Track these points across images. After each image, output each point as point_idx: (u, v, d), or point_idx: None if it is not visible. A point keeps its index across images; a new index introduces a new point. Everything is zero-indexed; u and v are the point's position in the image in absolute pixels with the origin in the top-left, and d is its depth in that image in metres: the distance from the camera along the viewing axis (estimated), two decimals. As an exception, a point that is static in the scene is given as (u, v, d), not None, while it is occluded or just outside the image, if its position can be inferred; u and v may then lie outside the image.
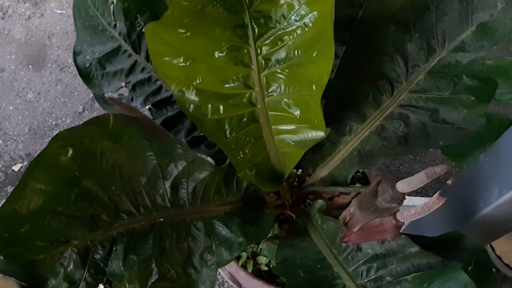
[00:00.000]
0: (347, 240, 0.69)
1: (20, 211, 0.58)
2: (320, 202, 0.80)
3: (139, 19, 0.83)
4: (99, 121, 0.65)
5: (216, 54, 0.68)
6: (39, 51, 1.58)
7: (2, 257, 0.60)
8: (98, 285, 0.66)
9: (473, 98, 0.70)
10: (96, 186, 0.66)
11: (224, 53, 0.68)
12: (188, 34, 0.64)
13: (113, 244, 0.67)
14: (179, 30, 0.63)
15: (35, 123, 1.42)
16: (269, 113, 0.74)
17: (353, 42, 0.76)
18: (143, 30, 0.84)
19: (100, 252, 0.66)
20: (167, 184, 0.73)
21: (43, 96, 1.48)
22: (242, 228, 0.76)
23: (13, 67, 1.55)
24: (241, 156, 0.74)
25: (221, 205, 0.79)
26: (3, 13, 1.65)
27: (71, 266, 0.64)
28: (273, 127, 0.76)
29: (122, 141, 0.67)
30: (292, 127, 0.74)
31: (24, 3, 1.67)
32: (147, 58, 0.86)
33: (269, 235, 0.89)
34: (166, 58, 0.67)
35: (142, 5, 0.82)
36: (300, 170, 0.95)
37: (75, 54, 0.89)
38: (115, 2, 0.85)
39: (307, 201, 0.93)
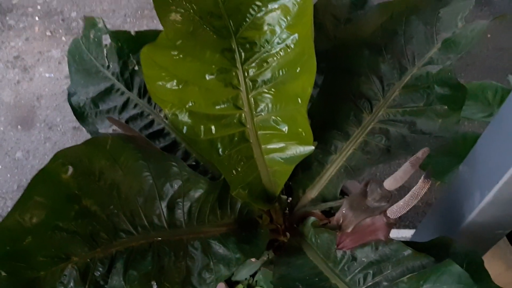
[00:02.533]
0: (343, 246, 0.71)
1: (23, 224, 0.60)
2: (312, 218, 0.82)
3: (131, 58, 0.89)
4: (98, 141, 0.69)
5: (207, 77, 0.73)
6: (28, 112, 1.62)
7: (4, 274, 0.60)
8: (98, 303, 0.65)
9: (446, 107, 0.76)
10: (95, 205, 0.68)
11: (214, 75, 0.73)
12: (181, 56, 0.69)
13: (112, 261, 0.68)
14: (172, 52, 0.68)
15: (24, 180, 1.43)
16: (259, 132, 0.78)
17: (332, 66, 0.83)
18: (136, 68, 0.90)
19: (100, 269, 0.66)
20: (163, 204, 0.75)
21: (32, 154, 1.50)
22: (238, 246, 0.77)
23: (1, 128, 1.58)
24: (234, 173, 0.78)
25: (216, 226, 0.80)
26: (-7, 79, 1.71)
27: (71, 284, 0.64)
28: (263, 146, 0.80)
29: (119, 162, 0.70)
30: (281, 145, 0.78)
31: (14, 69, 1.73)
32: (139, 94, 0.91)
33: (265, 259, 0.90)
34: (160, 83, 0.72)
35: (134, 45, 0.88)
36: (290, 198, 0.98)
37: (70, 96, 0.94)
38: (108, 44, 0.91)
39: (300, 223, 0.95)
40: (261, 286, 0.99)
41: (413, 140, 0.79)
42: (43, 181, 0.62)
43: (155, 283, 0.70)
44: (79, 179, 0.66)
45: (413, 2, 0.82)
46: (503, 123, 0.73)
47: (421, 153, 0.56)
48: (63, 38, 1.82)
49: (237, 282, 1.02)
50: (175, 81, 0.72)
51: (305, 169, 0.87)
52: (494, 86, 0.99)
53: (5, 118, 1.60)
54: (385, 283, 0.72)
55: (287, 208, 0.96)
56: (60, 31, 1.84)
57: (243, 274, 0.99)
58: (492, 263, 1.21)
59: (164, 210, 0.75)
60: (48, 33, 1.83)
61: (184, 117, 0.74)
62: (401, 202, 0.62)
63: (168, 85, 0.72)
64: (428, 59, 0.77)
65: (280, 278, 0.77)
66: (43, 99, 1.65)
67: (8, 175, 1.44)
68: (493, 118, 0.73)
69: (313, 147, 0.76)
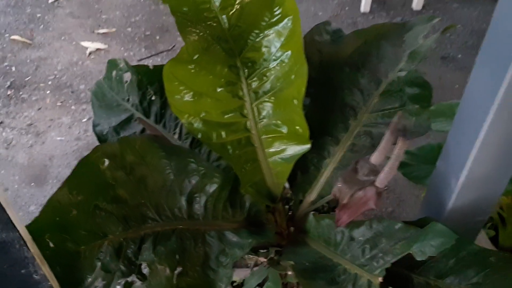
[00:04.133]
0: (341, 222, 0.81)
1: (71, 198, 0.71)
2: (312, 213, 0.93)
3: (149, 89, 1.04)
4: (129, 140, 0.82)
5: (218, 89, 0.88)
6: (41, 170, 1.73)
7: (52, 245, 0.70)
8: (131, 275, 0.74)
9: (417, 106, 0.91)
10: (126, 194, 0.79)
11: (224, 88, 0.88)
12: (197, 69, 0.85)
13: (142, 241, 0.78)
14: (189, 66, 0.84)
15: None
16: (262, 137, 0.92)
17: (319, 82, 0.99)
18: (153, 98, 1.05)
19: (132, 247, 0.76)
20: (183, 198, 0.86)
21: (45, 207, 1.59)
22: (250, 235, 0.88)
23: (16, 186, 1.69)
24: (243, 171, 0.90)
25: (229, 222, 0.91)
26: (8, 144, 1.83)
27: (108, 258, 0.74)
28: (266, 150, 0.93)
29: (146, 160, 0.83)
30: (282, 147, 0.91)
31: (27, 135, 1.87)
32: (156, 120, 1.05)
33: (271, 256, 0.99)
34: (178, 96, 0.87)
35: (152, 77, 1.04)
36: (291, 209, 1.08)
37: (94, 126, 1.07)
38: (128, 80, 1.07)
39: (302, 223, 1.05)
40: (270, 292, 1.06)
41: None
42: (86, 166, 0.74)
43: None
44: (113, 171, 0.78)
45: (382, 30, 1.00)
46: (461, 121, 0.87)
47: (397, 117, 0.70)
48: (73, 107, 1.98)
49: (248, 292, 1.08)
50: (191, 93, 0.87)
51: (303, 173, 0.99)
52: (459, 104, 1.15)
53: (19, 177, 1.71)
54: (380, 254, 0.82)
55: (290, 212, 1.06)
56: (70, 101, 2.01)
57: (252, 283, 1.06)
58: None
59: (184, 203, 0.86)
60: (58, 103, 2.00)
61: (198, 125, 0.88)
62: (386, 168, 0.74)
63: (186, 98, 0.87)
64: (398, 70, 0.94)
65: (289, 258, 0.86)
66: (55, 158, 1.77)
67: (22, 227, 1.51)
68: (455, 118, 0.87)
69: (309, 145, 0.89)
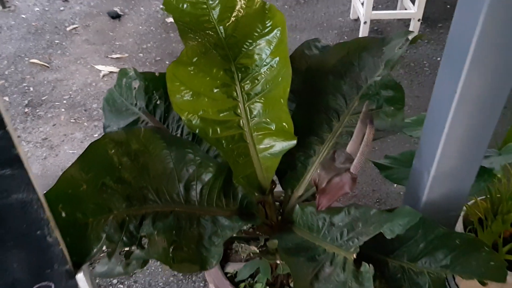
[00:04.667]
0: (322, 206, 0.91)
1: (82, 173, 0.81)
2: (298, 204, 1.03)
3: (155, 94, 1.16)
4: (134, 130, 0.93)
5: (214, 90, 0.99)
6: (53, 180, 1.83)
7: (64, 214, 0.80)
8: (132, 246, 0.84)
9: (392, 108, 1.02)
10: (131, 178, 0.90)
11: (219, 89, 0.99)
12: (195, 71, 0.96)
13: (142, 218, 0.88)
14: (189, 68, 0.96)
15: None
16: (254, 134, 1.02)
17: (306, 87, 1.10)
18: (158, 102, 1.17)
19: (134, 222, 0.86)
20: (181, 185, 0.96)
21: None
22: (240, 220, 0.97)
23: (29, 194, 1.80)
24: (236, 163, 1.00)
25: (222, 210, 1.00)
26: (23, 156, 1.96)
27: (112, 230, 0.84)
28: (257, 146, 1.03)
29: (149, 149, 0.93)
30: (271, 143, 1.02)
31: (42, 148, 2.00)
32: (160, 122, 1.16)
33: (261, 244, 1.08)
34: (179, 95, 0.98)
35: (157, 84, 1.16)
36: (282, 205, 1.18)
37: (105, 128, 1.19)
38: (136, 87, 1.19)
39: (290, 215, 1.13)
40: (261, 282, 1.14)
41: (371, 136, 1.03)
42: (96, 149, 0.85)
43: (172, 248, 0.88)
44: (119, 156, 0.89)
45: (363, 43, 1.12)
46: (430, 121, 0.97)
47: (365, 107, 0.80)
48: (85, 124, 2.11)
49: (240, 282, 1.16)
50: (190, 93, 0.98)
51: (292, 169, 1.09)
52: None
53: (33, 186, 1.82)
54: (356, 236, 0.90)
55: (280, 207, 1.15)
56: (83, 118, 2.14)
57: (245, 274, 1.15)
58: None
59: (182, 190, 0.96)
60: (72, 120, 2.13)
61: (196, 122, 0.99)
62: (358, 155, 0.84)
63: (185, 97, 0.98)
64: (376, 76, 1.05)
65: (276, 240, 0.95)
66: (67, 170, 1.89)
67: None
68: (425, 120, 0.98)
69: (295, 141, 0.99)
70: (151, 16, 2.92)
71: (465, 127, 0.89)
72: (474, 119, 0.89)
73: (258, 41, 1.01)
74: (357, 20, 2.86)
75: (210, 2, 0.99)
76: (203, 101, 0.99)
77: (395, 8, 2.94)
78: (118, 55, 2.56)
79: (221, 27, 0.99)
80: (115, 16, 2.89)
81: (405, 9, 2.78)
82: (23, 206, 0.70)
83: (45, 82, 2.38)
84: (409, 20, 2.70)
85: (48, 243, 0.76)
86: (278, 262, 1.11)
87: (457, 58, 0.83)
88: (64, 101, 2.26)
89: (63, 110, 2.21)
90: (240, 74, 1.01)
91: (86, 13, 2.95)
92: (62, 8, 3.00)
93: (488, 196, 1.30)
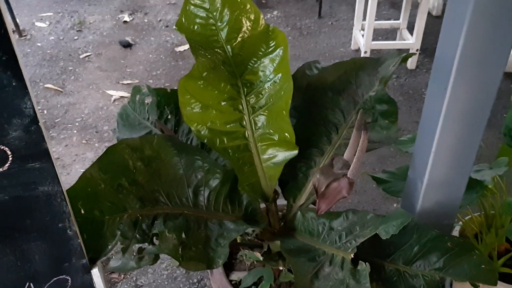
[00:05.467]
0: (321, 211, 0.97)
1: (100, 174, 0.89)
2: (299, 211, 1.09)
3: (166, 109, 1.25)
4: (148, 138, 1.00)
5: (222, 103, 1.07)
6: (64, 197, 1.92)
7: (83, 211, 0.87)
8: (145, 242, 0.90)
9: (387, 121, 1.09)
10: (144, 181, 0.97)
11: (226, 102, 1.07)
12: (205, 85, 1.04)
13: (154, 218, 0.94)
14: (199, 82, 1.04)
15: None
16: (258, 144, 1.10)
17: (306, 103, 1.18)
18: (169, 117, 1.25)
19: (146, 221, 0.93)
20: (190, 190, 1.03)
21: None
22: (245, 223, 1.03)
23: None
24: (242, 171, 1.07)
25: (228, 215, 1.06)
26: (36, 175, 2.04)
27: (126, 228, 0.90)
28: (261, 156, 1.10)
29: (161, 156, 1.01)
30: (274, 153, 1.09)
31: (54, 167, 2.08)
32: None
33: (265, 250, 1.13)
34: (189, 108, 1.06)
35: (168, 99, 1.24)
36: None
37: (117, 140, 1.26)
38: (149, 102, 1.27)
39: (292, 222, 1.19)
40: (264, 289, 1.19)
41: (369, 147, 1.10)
42: (113, 153, 0.93)
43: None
44: (134, 161, 0.96)
45: (359, 63, 1.20)
46: (421, 133, 1.04)
47: (359, 116, 0.87)
48: (96, 144, 2.20)
49: (244, 289, 1.21)
50: (200, 105, 1.06)
51: (294, 179, 1.16)
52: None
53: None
54: (354, 238, 0.96)
55: (282, 216, 1.21)
56: (94, 139, 2.23)
57: (248, 281, 1.20)
58: None
59: (190, 194, 1.03)
60: (83, 141, 2.21)
61: (205, 132, 1.07)
62: (354, 160, 0.91)
63: (195, 109, 1.06)
64: (372, 92, 1.13)
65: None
66: (78, 188, 1.96)
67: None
68: (417, 132, 1.05)
69: (296, 151, 1.06)
70: (161, 45, 3.05)
71: (453, 137, 0.96)
72: (461, 129, 0.96)
73: (262, 59, 1.09)
74: (357, 50, 2.98)
75: (219, 24, 1.08)
76: (211, 113, 1.07)
77: (394, 39, 3.06)
78: (129, 81, 2.67)
79: (228, 46, 1.08)
80: (127, 45, 3.03)
81: (404, 40, 2.89)
82: (48, 198, 0.77)
83: (59, 105, 2.48)
84: (408, 50, 2.81)
85: (68, 236, 0.83)
86: (281, 268, 1.16)
87: (443, 76, 0.91)
88: (76, 123, 2.35)
89: (75, 131, 2.29)
90: (245, 89, 1.09)
91: (98, 42, 3.09)
92: (76, 37, 3.14)
93: (483, 212, 1.36)
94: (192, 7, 1.08)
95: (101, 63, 2.86)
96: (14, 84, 0.65)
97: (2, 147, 0.70)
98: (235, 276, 1.25)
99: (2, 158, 0.71)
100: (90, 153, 2.15)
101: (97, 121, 2.36)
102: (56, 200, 0.78)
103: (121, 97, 2.53)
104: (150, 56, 2.94)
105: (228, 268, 1.28)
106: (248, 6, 1.07)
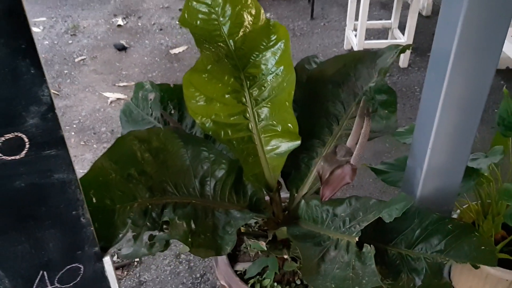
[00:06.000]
0: (325, 197, 1.00)
1: (111, 164, 0.91)
2: (303, 199, 1.12)
3: (169, 104, 1.27)
4: (155, 130, 1.03)
5: (226, 95, 1.10)
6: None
7: (95, 200, 0.89)
8: (155, 230, 0.92)
9: (386, 111, 1.12)
10: (152, 172, 0.99)
11: (230, 94, 1.10)
12: (209, 77, 1.07)
13: (164, 207, 0.96)
14: (203, 75, 1.07)
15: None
16: (261, 136, 1.12)
17: (307, 95, 1.21)
18: (172, 112, 1.27)
19: (156, 209, 0.95)
20: (197, 180, 1.05)
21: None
22: (250, 212, 1.06)
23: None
24: (247, 162, 1.09)
25: (233, 205, 1.09)
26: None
27: (137, 216, 0.92)
28: (265, 148, 1.13)
29: (167, 148, 1.03)
30: (277, 144, 1.12)
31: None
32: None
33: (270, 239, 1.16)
34: (194, 101, 1.09)
35: (171, 94, 1.27)
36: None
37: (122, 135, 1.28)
38: (152, 98, 1.30)
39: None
40: (268, 279, 1.21)
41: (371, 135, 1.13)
42: (122, 144, 0.95)
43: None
44: (142, 152, 0.98)
45: (358, 56, 1.23)
46: (420, 121, 1.08)
47: (362, 103, 0.90)
48: (95, 146, 2.21)
49: (249, 279, 1.23)
50: (204, 98, 1.09)
51: (296, 170, 1.19)
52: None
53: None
54: (358, 223, 0.99)
55: (285, 207, 1.24)
56: (92, 141, 2.24)
57: (253, 270, 1.22)
58: (462, 276, 1.43)
59: (197, 185, 1.05)
60: (82, 143, 2.23)
61: (210, 125, 1.09)
62: (357, 147, 0.94)
63: (200, 102, 1.09)
64: (371, 83, 1.16)
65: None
66: (78, 188, 1.97)
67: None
68: (416, 120, 1.09)
69: (299, 142, 1.09)
70: (155, 48, 3.07)
71: (451, 124, 1.00)
72: (458, 116, 0.99)
73: (264, 53, 1.12)
74: (350, 50, 3.02)
75: (221, 19, 1.11)
76: (215, 106, 1.10)
77: (386, 38, 3.11)
78: (124, 83, 2.69)
79: (231, 40, 1.11)
80: (121, 48, 3.04)
81: (396, 39, 2.94)
82: (62, 185, 0.79)
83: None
84: (400, 49, 2.85)
85: (81, 224, 0.84)
86: (285, 256, 1.18)
87: (440, 64, 0.95)
88: (74, 126, 2.36)
89: (73, 133, 2.31)
90: (248, 82, 1.12)
91: (93, 45, 3.10)
92: (70, 42, 3.15)
93: (479, 201, 1.40)
94: (194, 3, 1.10)
95: (97, 66, 2.88)
96: (32, 72, 0.67)
97: (19, 134, 0.72)
98: (240, 266, 1.27)
99: (19, 145, 0.73)
100: (88, 154, 2.16)
101: (95, 123, 2.38)
102: (70, 187, 0.79)
103: (118, 99, 2.54)
104: (145, 58, 2.96)
105: (233, 259, 1.30)
106: (249, 1, 1.10)
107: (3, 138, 0.71)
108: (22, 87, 0.68)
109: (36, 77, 0.68)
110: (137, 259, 1.65)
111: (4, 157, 0.72)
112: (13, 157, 0.73)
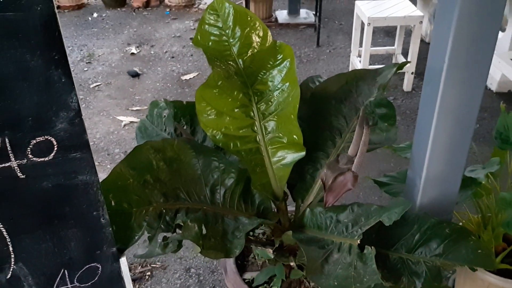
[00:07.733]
0: (329, 203, 1.06)
1: (129, 170, 0.98)
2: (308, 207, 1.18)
3: (182, 120, 1.35)
4: (169, 141, 1.10)
5: (235, 110, 1.18)
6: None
7: (113, 203, 0.96)
8: (169, 232, 0.99)
9: (386, 124, 1.19)
10: (166, 179, 1.06)
11: (239, 109, 1.18)
12: (220, 93, 1.15)
13: (177, 211, 1.03)
14: (214, 90, 1.15)
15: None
16: (268, 147, 1.19)
17: (311, 110, 1.28)
18: (184, 127, 1.35)
19: (170, 214, 1.02)
20: (208, 189, 1.12)
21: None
22: (258, 218, 1.12)
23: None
24: (254, 171, 1.16)
25: (242, 213, 1.15)
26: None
27: (152, 219, 0.99)
28: (271, 159, 1.20)
29: (180, 157, 1.10)
30: (283, 155, 1.19)
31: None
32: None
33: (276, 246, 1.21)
34: (205, 115, 1.17)
35: (184, 111, 1.35)
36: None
37: (137, 151, 1.36)
38: (166, 115, 1.38)
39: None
40: (275, 286, 1.26)
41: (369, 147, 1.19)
42: (140, 152, 1.02)
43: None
44: (157, 161, 1.06)
45: (359, 74, 1.31)
46: (418, 133, 1.14)
47: (361, 113, 0.97)
48: (108, 166, 2.29)
49: (257, 286, 1.28)
50: (215, 112, 1.16)
51: (301, 180, 1.25)
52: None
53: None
54: (360, 228, 1.05)
55: (292, 216, 1.30)
56: (106, 161, 2.33)
57: (261, 278, 1.27)
58: (466, 283, 1.46)
59: (208, 193, 1.11)
60: (96, 163, 2.30)
61: (220, 137, 1.17)
62: (358, 154, 1.00)
63: (210, 116, 1.17)
64: (372, 98, 1.23)
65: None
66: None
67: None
68: (415, 131, 1.15)
69: (304, 153, 1.16)
70: (167, 75, 3.19)
71: (446, 134, 1.06)
72: (452, 126, 1.06)
73: (271, 71, 1.20)
74: (356, 75, 3.11)
75: (231, 40, 1.20)
76: (225, 119, 1.17)
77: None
78: (138, 108, 2.79)
79: (240, 60, 1.19)
80: (135, 75, 3.16)
81: (400, 65, 3.03)
82: (85, 187, 0.86)
83: (71, 131, 2.58)
84: (404, 73, 2.95)
85: (101, 224, 0.91)
86: (291, 264, 1.23)
87: (434, 79, 1.02)
88: (89, 148, 2.45)
89: (87, 155, 2.39)
90: (256, 98, 1.20)
91: (107, 72, 3.23)
92: (86, 69, 3.29)
93: (480, 214, 1.44)
94: (206, 26, 1.20)
95: (111, 92, 2.99)
96: (63, 80, 0.76)
97: (49, 138, 0.79)
98: (248, 275, 1.32)
99: (48, 148, 0.80)
100: (102, 174, 2.24)
101: (108, 145, 2.47)
102: (92, 189, 0.87)
103: (131, 122, 2.64)
104: (158, 84, 3.07)
105: (241, 269, 1.35)
106: (257, 23, 1.20)
107: (34, 141, 0.78)
108: (54, 94, 0.76)
109: (67, 85, 0.76)
110: (149, 273, 1.70)
111: (34, 158, 0.80)
112: (42, 159, 0.81)
